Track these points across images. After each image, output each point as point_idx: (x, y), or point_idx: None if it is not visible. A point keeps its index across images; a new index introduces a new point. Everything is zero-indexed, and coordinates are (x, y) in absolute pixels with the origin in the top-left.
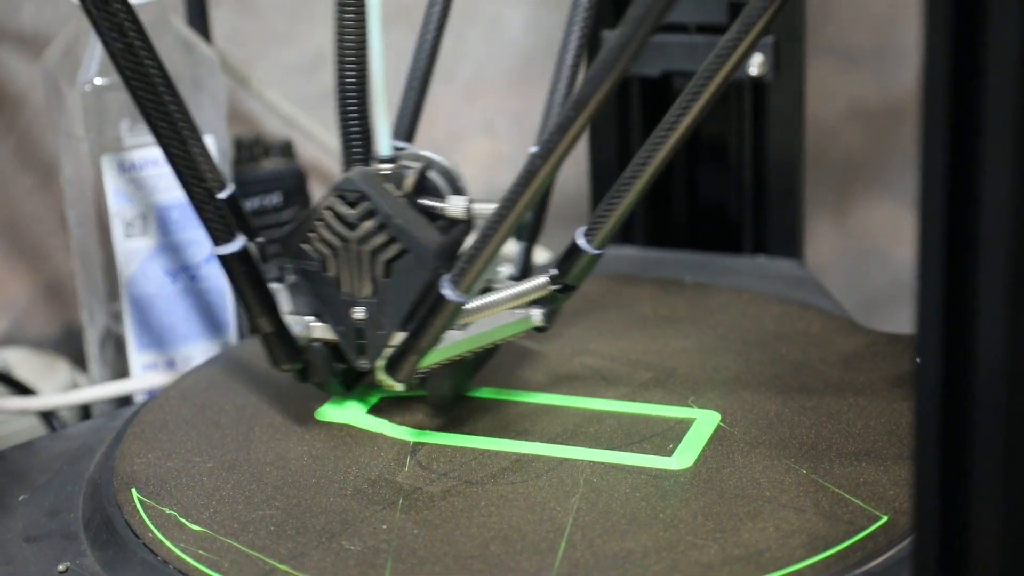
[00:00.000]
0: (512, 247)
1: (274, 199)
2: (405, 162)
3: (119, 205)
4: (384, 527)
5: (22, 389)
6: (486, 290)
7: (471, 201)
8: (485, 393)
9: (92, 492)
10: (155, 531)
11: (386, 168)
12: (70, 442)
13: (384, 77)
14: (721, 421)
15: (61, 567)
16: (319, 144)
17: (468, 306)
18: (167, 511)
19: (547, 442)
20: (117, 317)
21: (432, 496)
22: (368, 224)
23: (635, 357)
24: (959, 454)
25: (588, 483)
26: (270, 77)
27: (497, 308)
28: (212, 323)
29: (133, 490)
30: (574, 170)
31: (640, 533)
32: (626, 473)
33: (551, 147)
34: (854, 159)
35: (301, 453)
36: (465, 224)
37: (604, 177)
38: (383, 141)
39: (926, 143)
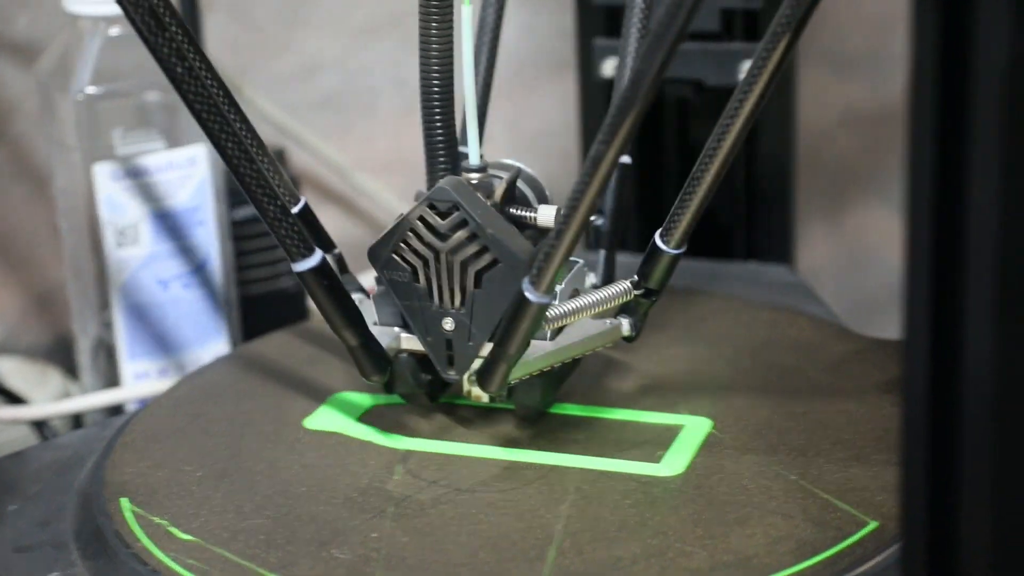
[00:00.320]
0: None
1: None
2: (492, 171)
3: (111, 214)
4: (374, 535)
5: (13, 398)
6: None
7: (560, 210)
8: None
9: (83, 502)
10: (145, 540)
11: (475, 177)
12: (61, 451)
13: (474, 85)
14: (711, 428)
15: None
16: (311, 152)
17: (553, 312)
18: (157, 520)
19: (537, 449)
20: (109, 326)
21: (422, 504)
22: (460, 234)
23: (625, 363)
24: (946, 459)
25: (578, 490)
26: (263, 85)
27: (582, 314)
28: (204, 331)
29: (124, 499)
30: (566, 173)
31: (630, 540)
32: (616, 480)
33: (614, 131)
34: (847, 165)
35: (291, 462)
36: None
37: None
38: (472, 150)
39: (913, 149)
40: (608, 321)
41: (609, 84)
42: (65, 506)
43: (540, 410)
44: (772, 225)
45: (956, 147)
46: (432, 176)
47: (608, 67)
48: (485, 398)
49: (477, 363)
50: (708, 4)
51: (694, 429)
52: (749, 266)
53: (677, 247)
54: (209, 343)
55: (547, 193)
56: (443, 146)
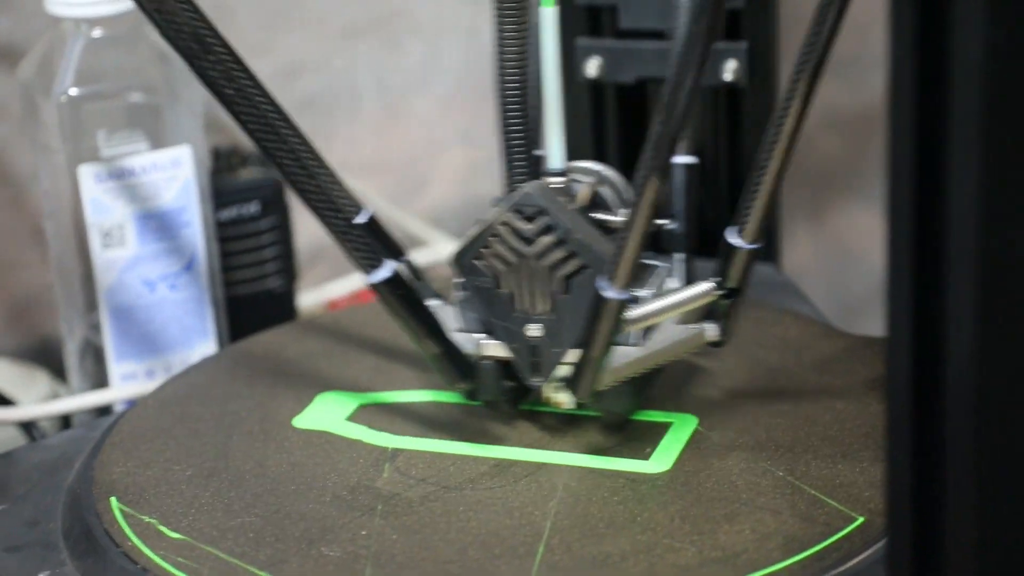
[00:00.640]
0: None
1: (252, 208)
2: (574, 175)
3: (96, 216)
4: (363, 533)
5: (1, 400)
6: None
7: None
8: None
9: (72, 501)
10: (135, 539)
11: (557, 181)
12: (49, 452)
13: (557, 88)
14: (698, 425)
15: None
16: None
17: (634, 313)
18: (147, 519)
19: (525, 447)
20: (96, 328)
21: (411, 502)
22: (546, 239)
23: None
24: (931, 454)
25: (566, 487)
26: None
27: (664, 315)
28: (191, 332)
29: (113, 499)
30: None
31: (618, 536)
32: (604, 477)
33: (671, 113)
34: (830, 165)
35: (280, 460)
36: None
37: None
38: (554, 154)
39: (894, 147)
40: (694, 327)
41: (592, 84)
42: (54, 506)
43: (626, 417)
44: None
45: (935, 144)
46: (510, 181)
47: (591, 67)
48: (567, 404)
49: (561, 370)
50: None
51: (682, 426)
52: None
53: (753, 241)
54: (196, 344)
55: (629, 197)
56: (521, 150)
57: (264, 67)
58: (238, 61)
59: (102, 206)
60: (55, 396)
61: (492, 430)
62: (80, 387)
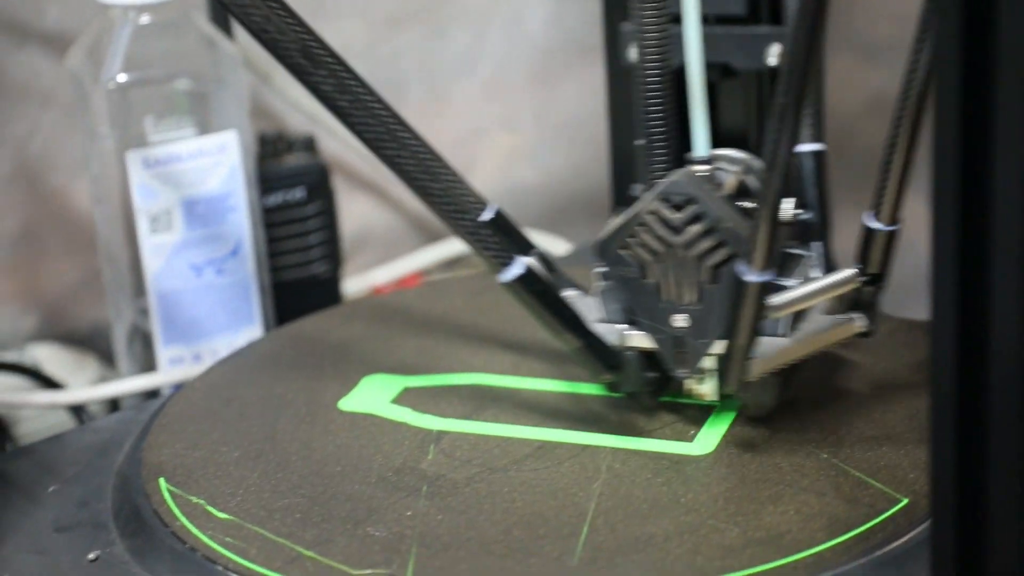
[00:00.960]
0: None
1: (297, 194)
2: (719, 163)
3: (144, 201)
4: (408, 513)
5: (52, 384)
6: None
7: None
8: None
9: (121, 482)
10: (183, 519)
11: (703, 169)
12: (99, 435)
13: (701, 75)
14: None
15: (91, 556)
16: (341, 139)
17: (777, 300)
18: (195, 500)
19: (569, 429)
20: (144, 312)
21: (455, 483)
22: (695, 228)
23: None
24: (974, 436)
25: (610, 469)
26: None
27: (806, 301)
28: (237, 316)
29: (161, 480)
30: (595, 160)
31: (661, 517)
32: (648, 459)
33: (789, 93)
34: (875, 152)
35: (326, 443)
36: (788, 227)
37: (625, 166)
38: (700, 141)
39: (939, 133)
40: (842, 317)
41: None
42: (104, 487)
43: (772, 408)
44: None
45: (981, 131)
46: (651, 169)
47: (634, 52)
48: (709, 395)
49: (705, 361)
50: None
51: (725, 408)
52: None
53: (891, 223)
54: (242, 328)
55: None
56: (662, 137)
57: None
58: (348, 69)
59: (150, 191)
60: (104, 380)
61: (536, 412)
62: (128, 371)
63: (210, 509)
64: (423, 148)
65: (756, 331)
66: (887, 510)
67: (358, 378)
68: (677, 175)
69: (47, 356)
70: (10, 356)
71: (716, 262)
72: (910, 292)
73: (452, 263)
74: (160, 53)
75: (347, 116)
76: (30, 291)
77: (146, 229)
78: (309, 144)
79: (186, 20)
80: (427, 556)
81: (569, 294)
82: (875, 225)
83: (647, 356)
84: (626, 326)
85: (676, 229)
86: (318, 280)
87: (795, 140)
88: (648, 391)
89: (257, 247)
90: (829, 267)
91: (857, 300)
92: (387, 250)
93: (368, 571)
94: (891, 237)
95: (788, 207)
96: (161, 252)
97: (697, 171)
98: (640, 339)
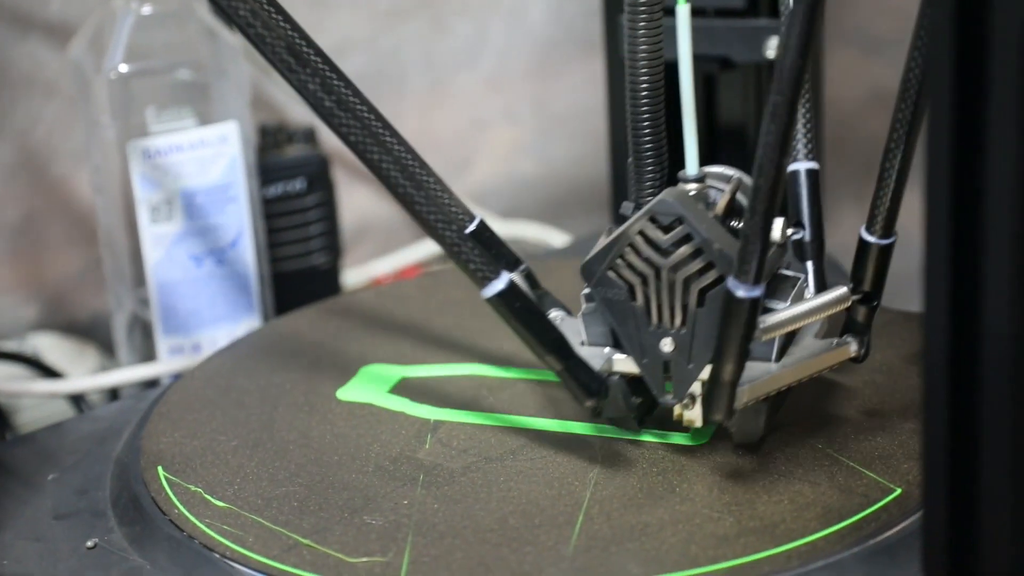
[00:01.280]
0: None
1: (297, 185)
2: (711, 182)
3: (145, 191)
4: (405, 502)
5: (52, 373)
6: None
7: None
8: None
9: (119, 471)
10: (181, 507)
11: (693, 188)
12: (98, 423)
13: (692, 90)
14: None
15: (90, 543)
16: None
17: (769, 321)
18: (192, 488)
19: (565, 419)
20: (144, 302)
21: (452, 472)
22: (683, 250)
23: None
24: (966, 427)
25: (605, 458)
26: None
27: (798, 322)
28: (237, 307)
29: (159, 468)
30: (595, 152)
31: (657, 506)
32: (644, 448)
33: (786, 92)
34: (874, 144)
35: (323, 432)
36: (780, 248)
37: (625, 158)
38: (690, 159)
39: (933, 125)
40: (834, 341)
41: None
42: (103, 475)
43: (761, 436)
44: None
45: (973, 123)
46: (640, 187)
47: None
48: (697, 422)
49: (693, 387)
50: None
51: None
52: None
53: (885, 236)
54: (242, 319)
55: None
56: (652, 155)
57: None
58: (335, 69)
59: (150, 182)
60: (104, 369)
61: (533, 403)
62: (128, 360)
63: (208, 497)
64: (408, 155)
65: (745, 354)
66: (881, 500)
67: (356, 368)
68: (666, 194)
69: (47, 345)
70: (10, 345)
71: (704, 285)
72: (904, 281)
73: None
74: (161, 44)
75: (331, 117)
76: (31, 280)
77: (146, 219)
78: (309, 135)
79: (187, 11)
80: (423, 544)
81: (554, 315)
82: (869, 238)
83: (632, 381)
84: (611, 350)
85: (664, 251)
86: (318, 271)
87: (788, 140)
88: (633, 417)
89: (257, 238)
90: (823, 287)
91: (852, 323)
92: (386, 242)
93: (365, 559)
94: (884, 252)
95: (779, 227)
96: (161, 242)
97: (687, 190)
98: (625, 363)
